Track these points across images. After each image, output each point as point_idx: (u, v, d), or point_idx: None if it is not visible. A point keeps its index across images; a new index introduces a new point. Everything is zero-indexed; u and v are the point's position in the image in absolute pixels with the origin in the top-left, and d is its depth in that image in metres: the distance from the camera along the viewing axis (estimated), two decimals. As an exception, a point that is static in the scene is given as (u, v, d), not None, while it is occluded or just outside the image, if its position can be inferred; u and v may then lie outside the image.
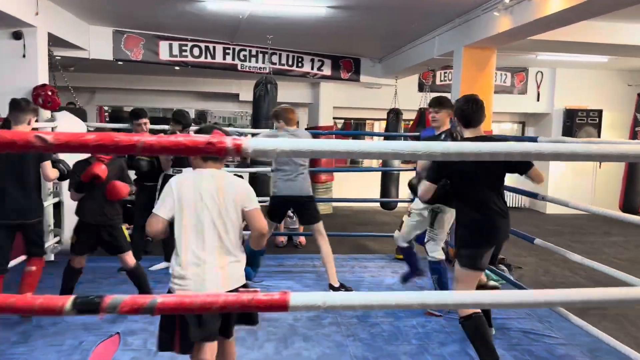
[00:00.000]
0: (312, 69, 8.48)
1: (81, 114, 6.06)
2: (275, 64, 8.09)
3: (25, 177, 3.76)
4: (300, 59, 8.34)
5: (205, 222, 2.39)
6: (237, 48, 7.83)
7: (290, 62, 8.27)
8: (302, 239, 6.74)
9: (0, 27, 5.11)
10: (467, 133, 3.14)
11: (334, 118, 9.98)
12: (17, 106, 3.74)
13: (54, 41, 6.01)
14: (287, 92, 9.69)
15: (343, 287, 4.64)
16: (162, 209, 2.43)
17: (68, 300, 1.19)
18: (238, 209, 2.45)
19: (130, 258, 3.96)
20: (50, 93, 5.22)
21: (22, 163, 3.74)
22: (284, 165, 4.67)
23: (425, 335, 3.79)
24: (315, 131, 8.90)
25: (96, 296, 1.20)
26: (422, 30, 6.57)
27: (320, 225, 4.71)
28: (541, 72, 10.10)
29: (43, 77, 5.39)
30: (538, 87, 10.22)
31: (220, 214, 2.40)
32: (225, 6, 5.58)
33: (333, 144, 1.30)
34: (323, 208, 9.88)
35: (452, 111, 3.85)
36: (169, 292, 2.44)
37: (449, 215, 3.98)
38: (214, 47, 7.70)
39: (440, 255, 4.15)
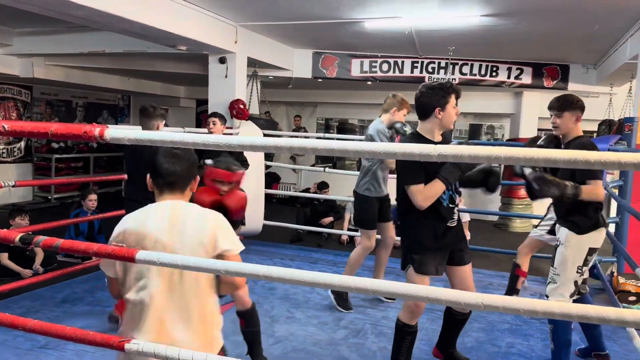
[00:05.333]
0: (509, 77, 8.12)
1: (273, 124, 7.25)
2: (465, 74, 8.06)
3: None
4: (495, 68, 8.09)
5: None
6: (426, 61, 8.07)
7: (483, 72, 8.10)
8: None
9: (211, 54, 6.56)
10: None
11: (539, 130, 9.25)
12: (144, 112, 3.75)
13: (260, 64, 7.35)
14: (486, 103, 9.48)
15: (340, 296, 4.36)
16: None
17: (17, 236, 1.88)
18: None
19: None
20: (241, 106, 6.44)
21: None
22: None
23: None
24: (516, 143, 8.47)
25: (32, 235, 1.87)
26: (614, 32, 5.79)
27: (364, 232, 4.49)
28: None
29: (240, 93, 6.67)
30: None
31: None
32: (381, 24, 5.98)
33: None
34: (522, 226, 9.26)
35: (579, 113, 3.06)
36: None
37: None
38: (402, 62, 8.09)
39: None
